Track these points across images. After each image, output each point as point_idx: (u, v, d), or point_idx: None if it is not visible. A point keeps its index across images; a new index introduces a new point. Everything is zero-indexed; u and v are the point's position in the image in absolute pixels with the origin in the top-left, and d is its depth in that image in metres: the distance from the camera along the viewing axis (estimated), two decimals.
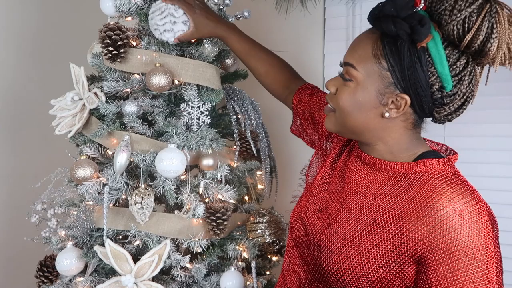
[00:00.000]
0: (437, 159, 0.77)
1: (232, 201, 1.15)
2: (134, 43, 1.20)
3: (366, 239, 0.76)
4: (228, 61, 1.33)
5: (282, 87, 1.15)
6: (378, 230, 0.75)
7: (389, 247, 0.73)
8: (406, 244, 0.72)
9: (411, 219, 0.72)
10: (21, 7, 1.61)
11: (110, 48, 1.10)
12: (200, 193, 1.11)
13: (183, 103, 1.17)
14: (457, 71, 0.72)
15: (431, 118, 0.81)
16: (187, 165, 1.08)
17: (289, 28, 1.77)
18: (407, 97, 0.74)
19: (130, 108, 1.12)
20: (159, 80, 1.10)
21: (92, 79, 1.30)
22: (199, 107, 1.17)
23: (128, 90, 1.17)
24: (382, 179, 0.80)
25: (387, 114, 0.77)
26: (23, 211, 1.29)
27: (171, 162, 1.04)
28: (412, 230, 0.72)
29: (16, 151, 1.61)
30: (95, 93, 1.17)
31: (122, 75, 1.19)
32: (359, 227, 0.78)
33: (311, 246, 0.85)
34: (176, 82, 1.18)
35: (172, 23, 1.09)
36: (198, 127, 1.16)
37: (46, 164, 1.37)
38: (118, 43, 1.10)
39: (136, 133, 1.14)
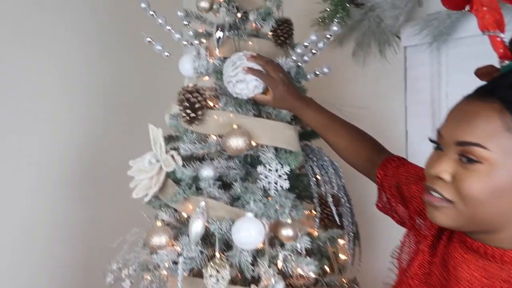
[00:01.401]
0: None
1: (313, 275, 1.04)
2: (211, 103, 1.18)
3: None
4: None
5: (364, 161, 1.04)
6: None
7: None
8: None
9: None
10: (102, 67, 1.70)
11: (188, 111, 1.08)
12: (279, 268, 1.01)
13: (260, 166, 1.11)
14: None
15: None
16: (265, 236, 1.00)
17: (367, 79, 1.68)
18: None
19: (207, 172, 1.07)
20: (236, 143, 1.05)
21: (170, 140, 1.30)
22: (276, 170, 1.10)
23: (205, 152, 1.14)
24: (499, 274, 0.65)
25: None
26: (99, 269, 1.28)
27: (248, 233, 0.97)
28: None
29: (94, 209, 1.65)
30: (172, 156, 1.15)
31: (199, 137, 1.16)
32: None
33: None
34: (253, 143, 1.13)
35: (244, 73, 1.05)
36: (276, 192, 1.08)
37: (122, 222, 1.36)
38: (196, 106, 1.08)
39: (212, 197, 1.09)
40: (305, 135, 1.29)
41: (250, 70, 1.05)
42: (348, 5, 1.58)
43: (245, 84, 1.05)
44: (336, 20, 1.59)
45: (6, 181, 1.47)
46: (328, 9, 1.60)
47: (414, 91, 1.61)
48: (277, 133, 1.11)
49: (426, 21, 1.46)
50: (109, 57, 1.71)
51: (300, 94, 1.09)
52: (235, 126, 1.08)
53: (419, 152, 1.58)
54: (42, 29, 1.53)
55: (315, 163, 1.21)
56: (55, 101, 1.56)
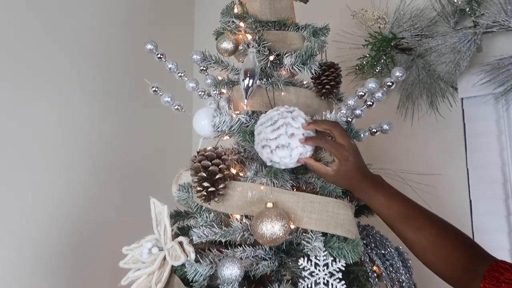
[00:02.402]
0: None
1: None
2: (234, 171, 0.88)
3: None
4: None
5: (460, 269, 0.73)
6: None
7: None
8: None
9: None
10: (106, 121, 1.43)
11: (206, 184, 0.78)
12: None
13: (302, 258, 0.79)
14: None
15: None
16: None
17: (417, 137, 1.39)
18: None
19: (231, 272, 0.76)
20: (272, 230, 0.75)
21: (177, 217, 0.99)
22: (326, 265, 0.78)
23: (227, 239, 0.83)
24: None
25: None
26: None
27: None
28: None
29: None
30: (181, 243, 0.84)
31: (219, 218, 0.86)
32: None
33: None
34: (293, 226, 0.82)
35: (289, 136, 0.77)
36: None
37: None
38: (217, 176, 0.78)
39: None
40: (358, 211, 0.98)
41: (311, 140, 0.79)
42: (392, 50, 1.33)
43: (288, 151, 0.77)
44: (378, 68, 1.34)
45: None
46: (368, 55, 1.36)
47: (476, 152, 1.31)
48: (327, 214, 0.80)
49: (492, 68, 1.20)
50: (114, 108, 1.44)
51: (369, 171, 0.81)
52: (269, 205, 0.78)
53: (488, 227, 1.25)
54: (43, 74, 1.27)
55: (374, 251, 0.89)
56: (50, 154, 1.27)
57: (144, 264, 0.87)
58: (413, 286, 0.88)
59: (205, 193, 0.78)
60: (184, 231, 0.96)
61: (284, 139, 0.77)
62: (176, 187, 0.95)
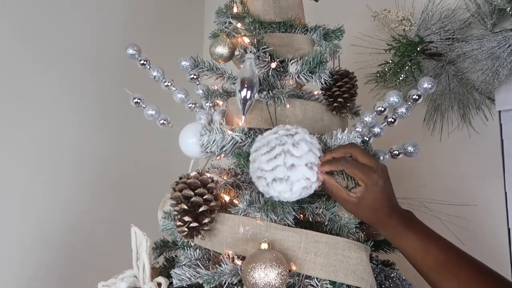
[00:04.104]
0: None
1: None
2: (227, 198, 0.74)
3: None
4: None
5: None
6: None
7: None
8: None
9: None
10: (98, 137, 1.31)
11: (187, 219, 0.64)
12: None
13: None
14: None
15: None
16: None
17: (446, 154, 1.22)
18: None
19: None
20: (265, 279, 0.60)
21: (164, 247, 0.86)
22: None
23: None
24: None
25: None
26: None
27: None
28: None
29: None
30: (158, 284, 0.70)
31: (206, 255, 0.72)
32: None
33: None
34: (294, 268, 0.67)
35: (288, 168, 0.62)
36: None
37: None
38: (201, 209, 0.64)
39: None
40: (374, 244, 0.82)
41: (329, 165, 0.65)
42: (418, 55, 1.17)
43: (288, 185, 0.62)
44: (402, 76, 1.18)
45: None
46: (391, 61, 1.20)
47: None
48: (336, 257, 0.65)
49: None
50: (108, 117, 1.33)
51: (398, 204, 0.65)
52: (263, 246, 0.63)
53: None
54: (34, 81, 1.17)
55: None
56: (40, 163, 1.17)
57: None
58: None
59: (186, 229, 0.64)
60: (173, 264, 0.83)
61: (282, 172, 0.62)
62: (162, 214, 0.82)
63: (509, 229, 1.12)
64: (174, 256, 0.87)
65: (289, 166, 0.62)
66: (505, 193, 1.14)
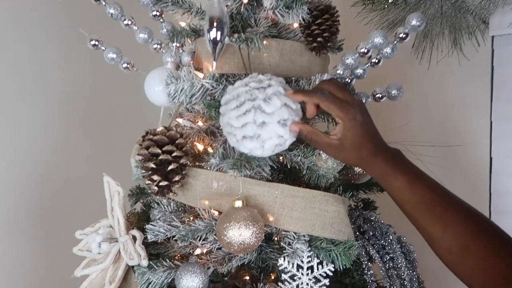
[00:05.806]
0: None
1: None
2: (200, 147, 0.71)
3: None
4: (357, 168, 0.78)
5: (496, 279, 0.56)
6: None
7: None
8: None
9: None
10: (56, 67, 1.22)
11: (156, 177, 0.60)
12: None
13: (282, 258, 0.64)
14: None
15: None
16: None
17: (435, 81, 1.17)
18: None
19: (190, 284, 0.61)
20: (240, 238, 0.59)
21: (140, 194, 0.84)
22: (311, 268, 0.64)
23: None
24: None
25: None
26: None
27: None
28: None
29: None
30: (133, 237, 0.69)
31: (181, 208, 0.70)
32: None
33: None
34: (271, 219, 0.66)
35: (258, 125, 0.57)
36: None
37: None
38: (170, 167, 0.61)
39: None
40: (350, 186, 0.81)
41: (301, 94, 0.60)
42: None
43: (259, 143, 0.58)
44: None
45: None
46: None
47: (504, 102, 1.10)
48: (312, 211, 0.63)
49: None
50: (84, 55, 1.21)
51: (384, 141, 0.61)
52: (237, 204, 0.61)
53: (506, 190, 1.09)
54: None
55: (372, 244, 0.74)
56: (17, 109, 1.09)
57: (96, 261, 0.74)
58: (416, 284, 0.74)
59: (155, 187, 0.61)
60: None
61: (252, 130, 0.57)
62: (134, 162, 0.78)
63: (491, 158, 1.12)
64: (151, 201, 0.85)
65: (260, 124, 0.57)
66: (491, 122, 1.12)
